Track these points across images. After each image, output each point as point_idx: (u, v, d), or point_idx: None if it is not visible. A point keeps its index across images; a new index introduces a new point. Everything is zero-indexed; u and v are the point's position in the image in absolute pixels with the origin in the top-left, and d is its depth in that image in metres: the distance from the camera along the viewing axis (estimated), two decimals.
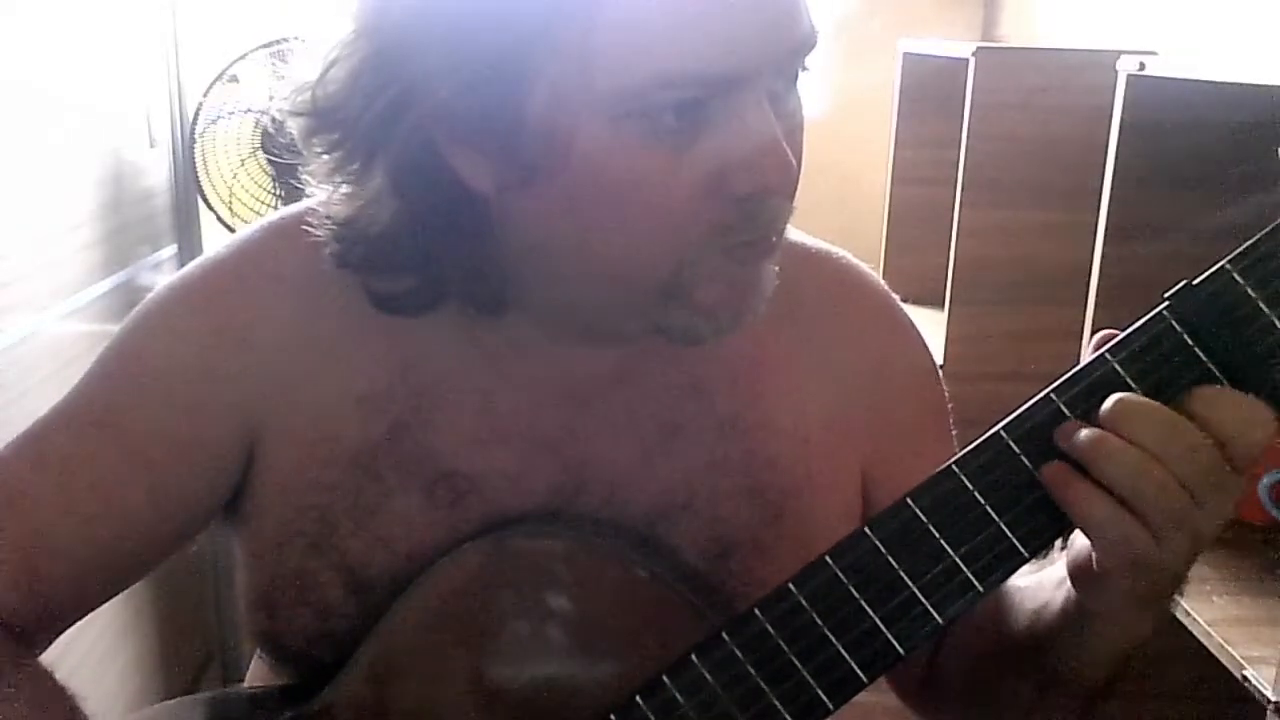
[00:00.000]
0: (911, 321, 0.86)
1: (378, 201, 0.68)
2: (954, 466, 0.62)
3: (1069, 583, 0.65)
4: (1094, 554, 0.61)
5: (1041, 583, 0.72)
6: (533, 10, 0.60)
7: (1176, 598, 0.66)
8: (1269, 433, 0.59)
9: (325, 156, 0.69)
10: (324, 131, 0.68)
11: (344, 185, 0.69)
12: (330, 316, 0.76)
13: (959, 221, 1.92)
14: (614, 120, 0.61)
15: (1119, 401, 0.59)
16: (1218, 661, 1.20)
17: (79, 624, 0.78)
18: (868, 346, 0.82)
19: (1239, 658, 1.16)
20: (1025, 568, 0.63)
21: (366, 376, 0.75)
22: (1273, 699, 1.09)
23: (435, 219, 0.68)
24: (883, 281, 0.86)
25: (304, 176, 0.72)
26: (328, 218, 0.71)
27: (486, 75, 0.61)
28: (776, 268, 0.69)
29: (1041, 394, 0.61)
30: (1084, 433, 0.59)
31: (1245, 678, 1.14)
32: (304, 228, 0.73)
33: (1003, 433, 0.61)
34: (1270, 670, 1.11)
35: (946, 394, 0.85)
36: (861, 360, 0.81)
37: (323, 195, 0.71)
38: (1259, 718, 1.11)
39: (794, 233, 0.84)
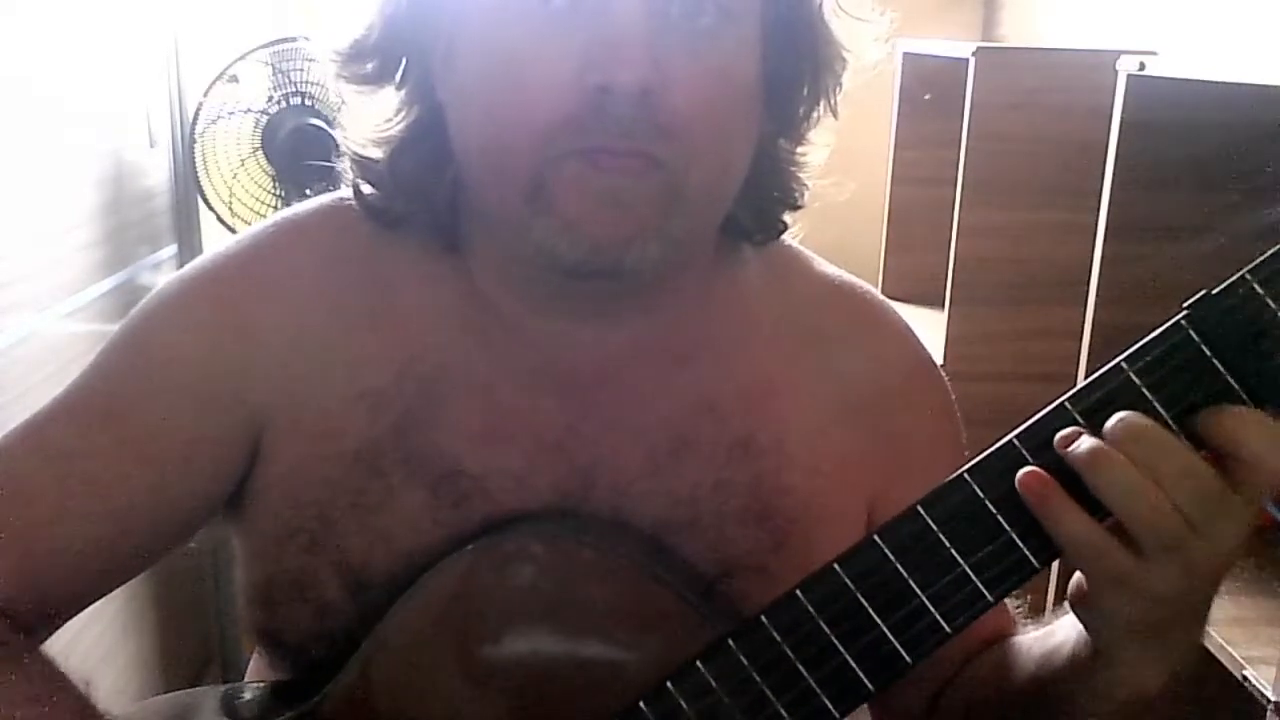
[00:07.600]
0: (933, 361, 0.86)
1: (396, 111, 0.74)
2: (966, 475, 0.61)
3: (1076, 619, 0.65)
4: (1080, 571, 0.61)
5: (1052, 628, 0.71)
6: None
7: (1196, 647, 0.65)
8: None
9: (367, 68, 0.73)
10: (363, 42, 0.73)
11: (378, 98, 0.74)
12: (338, 312, 0.76)
13: (959, 221, 1.91)
14: None
15: (1121, 419, 0.58)
16: (1218, 661, 1.20)
17: (79, 624, 0.77)
18: (887, 383, 0.81)
19: (1239, 658, 1.16)
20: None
21: (372, 372, 0.75)
22: (1273, 699, 1.09)
23: (415, 126, 0.73)
24: (904, 319, 0.85)
25: (347, 87, 0.76)
26: (358, 147, 0.75)
27: None
28: (676, 218, 0.67)
29: (1056, 402, 0.61)
30: (1084, 443, 0.59)
31: (1245, 678, 1.14)
32: (313, 224, 0.75)
33: (1016, 441, 0.61)
34: (1270, 670, 1.11)
35: (964, 436, 0.84)
36: (879, 397, 0.81)
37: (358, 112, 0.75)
38: (1259, 718, 1.12)
39: (820, 263, 0.84)
